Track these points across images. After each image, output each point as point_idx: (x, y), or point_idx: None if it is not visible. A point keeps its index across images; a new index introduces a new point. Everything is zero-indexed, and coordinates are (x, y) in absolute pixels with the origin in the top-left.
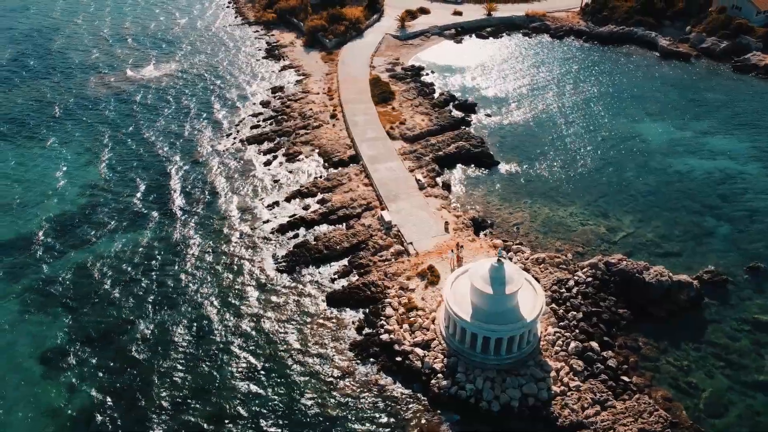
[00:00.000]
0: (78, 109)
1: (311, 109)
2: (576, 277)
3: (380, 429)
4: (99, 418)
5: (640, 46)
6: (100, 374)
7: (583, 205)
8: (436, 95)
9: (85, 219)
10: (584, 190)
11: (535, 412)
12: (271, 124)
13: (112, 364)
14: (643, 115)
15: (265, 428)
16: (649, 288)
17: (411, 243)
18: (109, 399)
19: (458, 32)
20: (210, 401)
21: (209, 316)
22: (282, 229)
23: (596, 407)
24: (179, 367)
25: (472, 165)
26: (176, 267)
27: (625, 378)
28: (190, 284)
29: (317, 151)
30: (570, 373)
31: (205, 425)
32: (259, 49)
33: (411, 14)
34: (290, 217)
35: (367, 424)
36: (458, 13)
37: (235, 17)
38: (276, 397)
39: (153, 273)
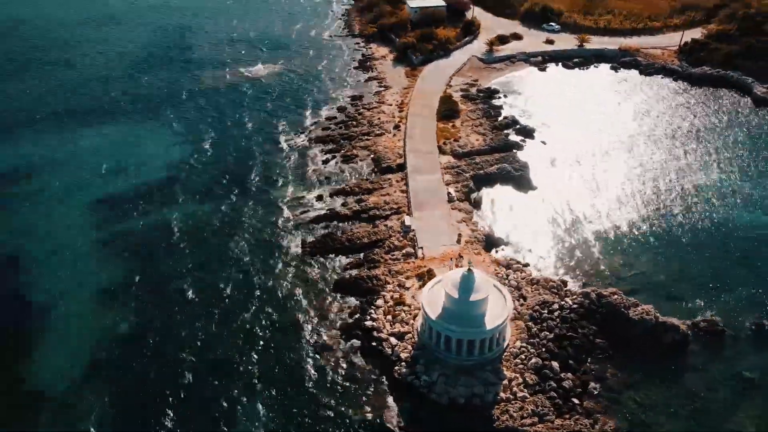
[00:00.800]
0: (197, 96)
1: (379, 119)
2: (563, 302)
3: (339, 398)
4: (136, 340)
5: (733, 90)
6: (148, 307)
7: (607, 238)
8: (500, 118)
9: (172, 187)
10: (613, 224)
11: (478, 412)
12: (340, 127)
13: (157, 302)
14: (709, 160)
15: (241, 372)
16: (631, 324)
17: (422, 248)
18: (149, 328)
19: (545, 60)
20: (222, 338)
21: (239, 278)
22: (318, 219)
23: (534, 419)
24: (205, 311)
25: (510, 187)
26: (227, 236)
27: (575, 400)
28: (234, 251)
29: (371, 156)
30: (521, 384)
31: (213, 354)
32: (354, 60)
33: (502, 39)
34: (328, 210)
35: (329, 393)
36: (550, 42)
37: (343, 29)
38: (263, 353)
39: (207, 237)
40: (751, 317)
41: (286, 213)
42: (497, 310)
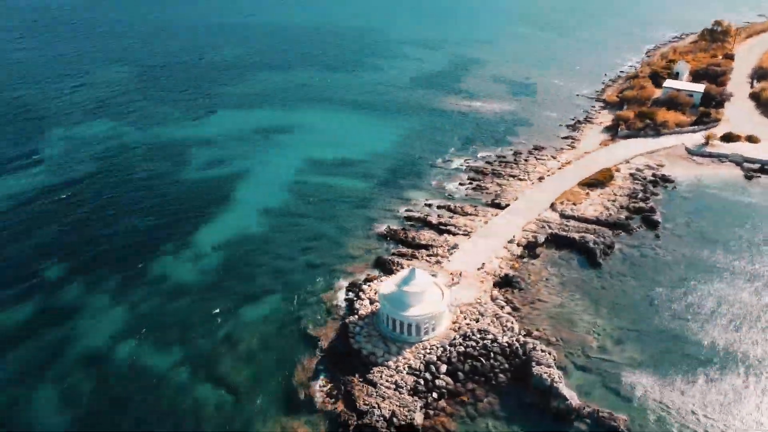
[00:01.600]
0: (436, 116)
1: (534, 168)
2: (497, 337)
3: (296, 339)
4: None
5: None
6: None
7: (615, 329)
8: (641, 204)
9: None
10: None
11: (365, 362)
12: (499, 165)
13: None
14: None
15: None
16: (530, 377)
17: (449, 261)
18: None
19: (762, 170)
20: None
21: (333, 228)
22: (410, 218)
23: (392, 386)
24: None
25: (579, 256)
26: (357, 203)
27: (434, 395)
28: (348, 212)
29: (500, 191)
30: (407, 364)
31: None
32: (572, 117)
33: (728, 137)
34: (424, 215)
35: (293, 330)
36: None
37: (597, 91)
38: (280, 274)
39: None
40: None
41: (400, 205)
42: (430, 304)
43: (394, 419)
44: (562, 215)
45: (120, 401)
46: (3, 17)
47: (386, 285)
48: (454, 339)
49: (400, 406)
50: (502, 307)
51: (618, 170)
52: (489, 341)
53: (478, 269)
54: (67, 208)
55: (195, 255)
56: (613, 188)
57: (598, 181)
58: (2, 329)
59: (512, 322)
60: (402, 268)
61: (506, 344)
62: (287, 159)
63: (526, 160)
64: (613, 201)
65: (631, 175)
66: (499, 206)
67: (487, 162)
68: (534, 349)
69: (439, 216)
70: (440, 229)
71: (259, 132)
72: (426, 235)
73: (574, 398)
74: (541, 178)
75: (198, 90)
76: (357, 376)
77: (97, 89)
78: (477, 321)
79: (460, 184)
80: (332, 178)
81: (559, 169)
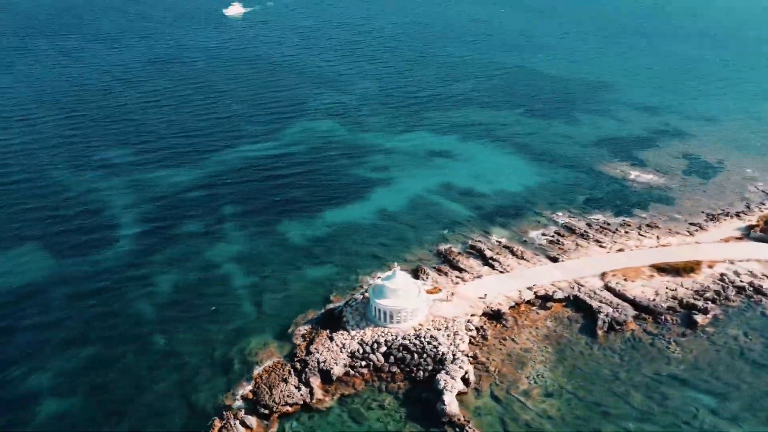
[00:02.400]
0: (586, 174)
1: (626, 241)
2: (439, 347)
3: (320, 297)
4: None
5: None
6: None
7: (555, 386)
8: (697, 302)
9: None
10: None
11: (338, 327)
12: (598, 230)
13: None
14: None
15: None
16: (434, 379)
17: (464, 285)
18: None
19: None
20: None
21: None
22: (473, 247)
23: (344, 353)
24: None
25: (585, 321)
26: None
27: (362, 371)
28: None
29: (570, 249)
30: (361, 340)
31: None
32: (724, 209)
33: None
34: (484, 247)
35: (325, 289)
36: None
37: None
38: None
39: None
40: None
41: (476, 235)
42: (407, 299)
43: (322, 363)
44: (606, 286)
45: None
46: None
47: (378, 279)
48: (408, 334)
49: (332, 358)
50: (470, 330)
51: (711, 266)
52: (431, 346)
53: (479, 298)
54: (287, 178)
55: (326, 223)
56: (685, 279)
57: (675, 268)
58: None
59: (464, 342)
60: (427, 277)
61: (441, 353)
62: (429, 178)
63: (626, 232)
64: (673, 290)
65: (722, 275)
66: (554, 260)
67: (588, 224)
68: (453, 362)
69: (496, 252)
70: (487, 261)
71: (426, 153)
72: (469, 262)
73: (452, 405)
74: (620, 250)
75: (411, 112)
76: (327, 332)
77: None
78: (438, 330)
79: (543, 234)
80: (445, 200)
81: (651, 248)
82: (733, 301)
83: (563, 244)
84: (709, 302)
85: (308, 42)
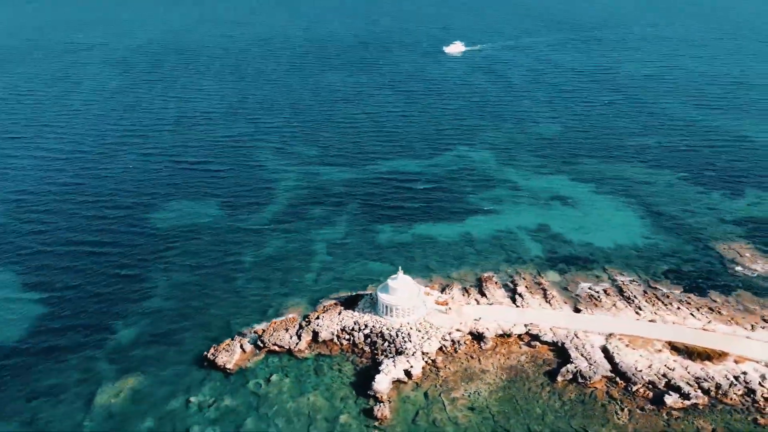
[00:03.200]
0: (694, 246)
1: (667, 314)
2: (408, 340)
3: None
4: None
5: None
6: None
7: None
8: (690, 391)
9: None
10: None
11: (350, 308)
12: (648, 299)
13: None
14: None
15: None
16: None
17: (469, 306)
18: None
19: None
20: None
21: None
22: (512, 283)
23: (346, 333)
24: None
25: (558, 368)
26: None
27: (355, 348)
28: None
29: (603, 307)
30: (354, 319)
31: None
32: None
33: None
34: (522, 285)
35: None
36: None
37: None
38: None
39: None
40: None
41: (520, 274)
42: (409, 297)
43: (317, 327)
44: (604, 346)
45: None
46: None
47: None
48: (392, 327)
49: (327, 326)
50: (445, 340)
51: (739, 362)
52: (401, 340)
53: (474, 319)
54: (411, 192)
55: (414, 233)
56: (695, 365)
57: (690, 350)
58: None
59: (431, 346)
60: (449, 291)
61: (405, 348)
62: (531, 217)
63: (678, 308)
64: (671, 369)
65: (743, 372)
66: (576, 310)
67: (645, 291)
68: (409, 356)
69: (528, 290)
70: (513, 295)
71: (549, 196)
72: (496, 292)
73: (380, 384)
74: (651, 321)
75: (569, 158)
76: (341, 308)
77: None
78: (418, 331)
79: (590, 287)
80: (528, 239)
81: (690, 328)
82: (731, 399)
83: (600, 300)
84: (699, 390)
85: (517, 84)
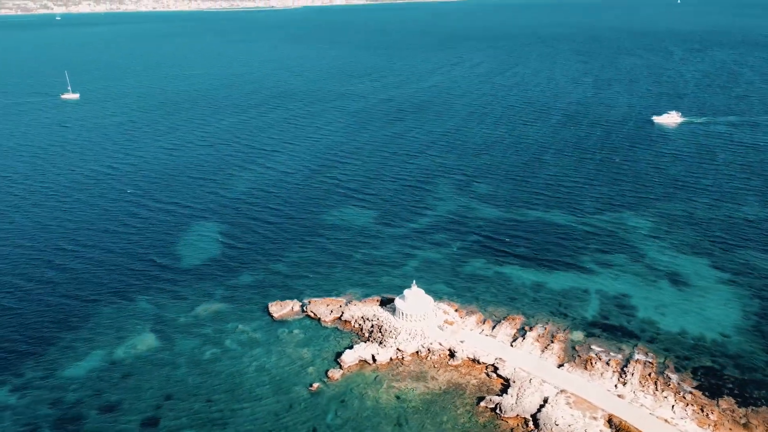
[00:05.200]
0: None
1: (641, 395)
2: (396, 337)
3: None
4: None
5: None
6: None
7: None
8: None
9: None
10: None
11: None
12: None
13: None
14: None
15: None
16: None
17: (469, 333)
18: None
19: None
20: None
21: None
22: (522, 327)
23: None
24: None
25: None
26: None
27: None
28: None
29: (594, 373)
30: (374, 314)
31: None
32: None
33: None
34: (535, 332)
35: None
36: None
37: None
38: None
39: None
40: None
41: (530, 324)
42: (419, 308)
43: (346, 310)
44: (545, 399)
45: None
46: None
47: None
48: (393, 325)
49: (354, 311)
50: (424, 347)
51: None
52: (388, 334)
53: (460, 341)
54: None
55: (517, 278)
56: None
57: (620, 427)
58: None
59: (409, 346)
60: (466, 316)
61: (385, 339)
62: (619, 285)
63: (665, 397)
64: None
65: None
66: (559, 365)
67: (651, 374)
68: (383, 346)
69: (534, 339)
70: (517, 336)
71: (663, 267)
72: (506, 330)
73: (346, 357)
74: (620, 396)
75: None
76: (377, 301)
77: None
78: (408, 333)
79: (597, 353)
80: (588, 300)
81: (647, 412)
82: None
83: (593, 365)
84: None
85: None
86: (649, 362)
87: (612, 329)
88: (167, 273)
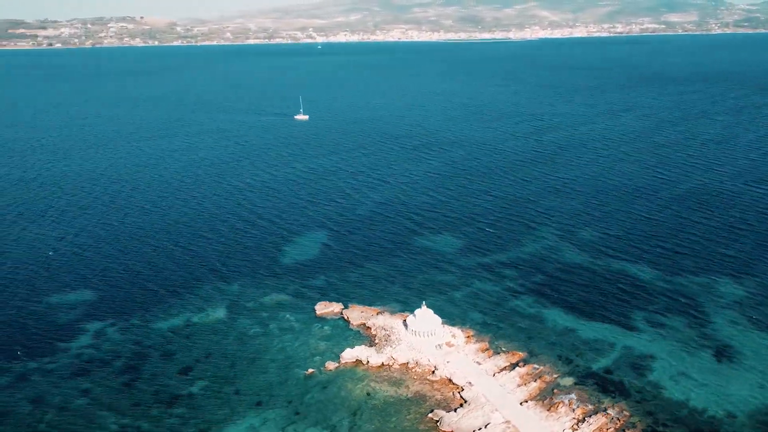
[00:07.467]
0: None
1: None
2: (396, 346)
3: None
4: None
5: None
6: None
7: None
8: None
9: None
10: None
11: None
12: None
13: None
14: None
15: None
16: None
17: (462, 354)
18: None
19: None
20: None
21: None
22: (518, 363)
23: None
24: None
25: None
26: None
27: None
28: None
29: (552, 414)
30: (390, 325)
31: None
32: None
33: None
34: (522, 369)
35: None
36: None
37: None
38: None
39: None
40: None
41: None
42: (428, 326)
43: (369, 321)
44: (486, 423)
45: None
46: None
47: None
48: (399, 336)
49: (381, 320)
50: (414, 360)
51: None
52: (391, 343)
53: (446, 361)
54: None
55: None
56: None
57: None
58: None
59: (401, 355)
60: (469, 341)
61: (384, 349)
62: (651, 347)
63: None
64: None
65: None
66: (523, 402)
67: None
68: (381, 352)
69: (519, 375)
70: (502, 370)
71: (715, 341)
72: (497, 362)
73: (345, 354)
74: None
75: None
76: (399, 315)
77: None
78: (407, 347)
79: (570, 399)
80: (603, 349)
81: None
82: None
83: (558, 409)
84: None
85: None
86: (617, 418)
87: (606, 383)
88: (271, 267)
